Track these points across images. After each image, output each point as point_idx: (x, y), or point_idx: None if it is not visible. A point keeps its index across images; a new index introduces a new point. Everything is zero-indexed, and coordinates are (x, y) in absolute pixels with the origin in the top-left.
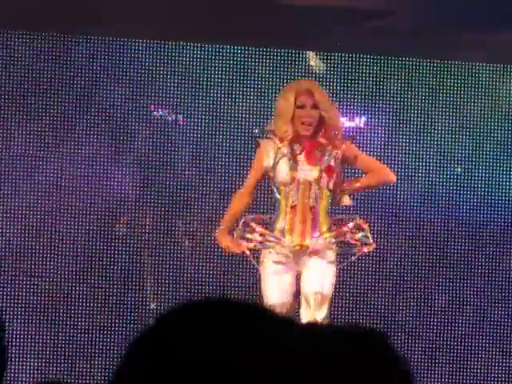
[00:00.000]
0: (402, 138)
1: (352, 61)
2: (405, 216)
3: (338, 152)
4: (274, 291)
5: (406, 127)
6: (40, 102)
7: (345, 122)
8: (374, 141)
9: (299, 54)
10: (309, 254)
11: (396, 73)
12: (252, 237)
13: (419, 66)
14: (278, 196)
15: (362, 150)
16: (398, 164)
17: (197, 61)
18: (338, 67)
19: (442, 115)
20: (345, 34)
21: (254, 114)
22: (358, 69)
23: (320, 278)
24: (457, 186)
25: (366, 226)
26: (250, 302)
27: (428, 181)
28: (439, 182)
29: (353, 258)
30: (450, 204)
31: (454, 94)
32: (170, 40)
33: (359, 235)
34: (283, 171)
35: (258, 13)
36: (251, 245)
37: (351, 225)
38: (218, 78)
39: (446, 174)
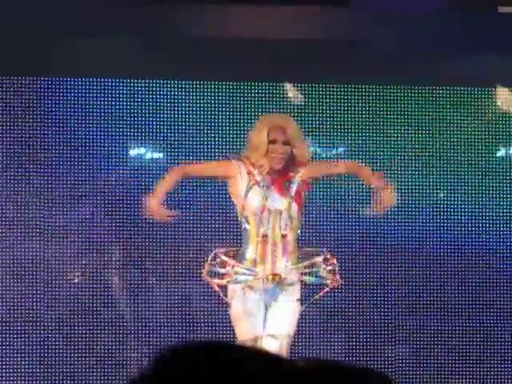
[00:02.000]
0: (378, 165)
1: (329, 91)
2: (379, 247)
3: (300, 175)
4: (246, 326)
5: (382, 154)
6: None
7: (320, 154)
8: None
9: (276, 86)
10: (280, 283)
11: (374, 101)
12: (225, 271)
13: (395, 93)
14: (248, 226)
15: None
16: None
17: (168, 96)
18: (314, 98)
19: (418, 140)
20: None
21: (230, 147)
22: (336, 99)
23: (287, 318)
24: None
25: (334, 261)
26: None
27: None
28: (412, 210)
29: (321, 293)
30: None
31: (433, 119)
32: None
33: (328, 268)
34: (255, 199)
35: (232, 46)
36: (224, 280)
37: (321, 258)
38: (194, 113)
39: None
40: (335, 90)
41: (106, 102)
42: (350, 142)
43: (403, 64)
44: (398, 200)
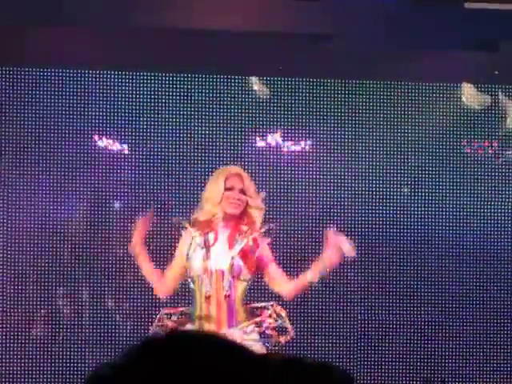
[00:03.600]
0: (347, 161)
1: (294, 85)
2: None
3: (254, 236)
4: None
5: (350, 149)
6: None
7: (290, 147)
8: (317, 164)
9: (242, 80)
10: None
11: (340, 95)
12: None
13: (361, 87)
14: (193, 286)
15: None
16: (341, 187)
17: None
18: (280, 92)
19: (386, 134)
20: (287, 59)
21: (195, 141)
22: (300, 93)
23: None
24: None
25: (283, 314)
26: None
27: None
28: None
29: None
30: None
31: (400, 113)
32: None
33: (277, 323)
34: (196, 261)
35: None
36: None
37: (268, 312)
38: (155, 106)
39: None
40: (298, 83)
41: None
42: (320, 134)
43: (367, 59)
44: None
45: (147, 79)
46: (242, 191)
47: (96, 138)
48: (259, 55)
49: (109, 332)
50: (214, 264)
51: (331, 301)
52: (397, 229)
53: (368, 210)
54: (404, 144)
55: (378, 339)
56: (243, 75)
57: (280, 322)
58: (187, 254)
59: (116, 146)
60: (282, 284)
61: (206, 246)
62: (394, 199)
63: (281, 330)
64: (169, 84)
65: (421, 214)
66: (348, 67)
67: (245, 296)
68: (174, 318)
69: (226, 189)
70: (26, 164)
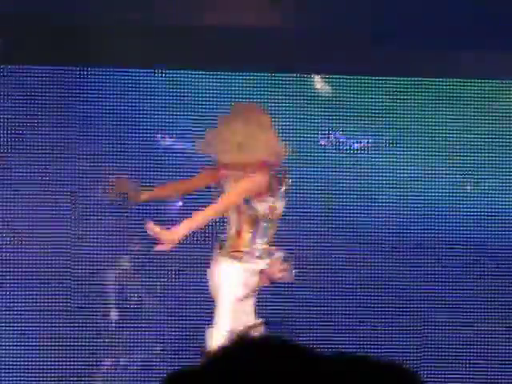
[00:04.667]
0: (408, 160)
1: (356, 83)
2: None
3: None
4: (242, 312)
5: (412, 148)
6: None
7: (351, 145)
8: (379, 163)
9: (304, 78)
10: None
11: (402, 93)
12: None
13: (423, 85)
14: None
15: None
16: (404, 186)
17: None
18: (342, 90)
19: (450, 133)
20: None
21: None
22: (362, 91)
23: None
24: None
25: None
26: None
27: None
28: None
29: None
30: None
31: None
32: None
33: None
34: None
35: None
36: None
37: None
38: (215, 105)
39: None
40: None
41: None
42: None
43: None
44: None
45: (208, 78)
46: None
47: (160, 137)
48: (322, 53)
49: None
50: None
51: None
52: (465, 228)
53: (430, 208)
54: (467, 142)
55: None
56: (305, 73)
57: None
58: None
59: (180, 145)
60: None
61: None
62: (456, 198)
63: None
64: (230, 83)
65: (486, 213)
66: (410, 65)
67: None
68: None
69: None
70: (90, 163)
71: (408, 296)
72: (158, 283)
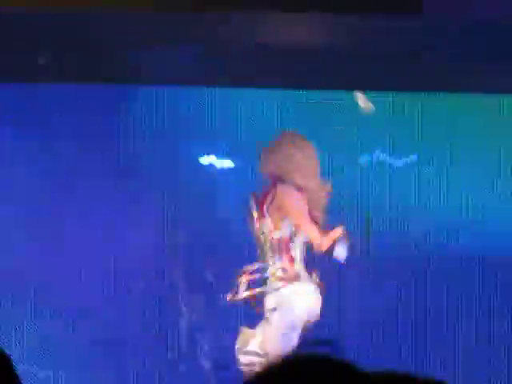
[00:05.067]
0: (451, 178)
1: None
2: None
3: None
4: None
5: (455, 167)
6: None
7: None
8: (423, 180)
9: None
10: None
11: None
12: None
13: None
14: None
15: None
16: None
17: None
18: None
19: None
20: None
21: None
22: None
23: None
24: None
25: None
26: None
27: None
28: None
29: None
30: None
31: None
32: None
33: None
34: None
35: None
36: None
37: None
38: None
39: None
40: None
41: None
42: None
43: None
44: None
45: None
46: None
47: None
48: (363, 71)
49: None
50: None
51: None
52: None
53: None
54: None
55: None
56: (348, 89)
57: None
58: None
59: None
60: None
61: None
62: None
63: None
64: (272, 100)
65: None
66: (455, 80)
67: None
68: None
69: None
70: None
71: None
72: None
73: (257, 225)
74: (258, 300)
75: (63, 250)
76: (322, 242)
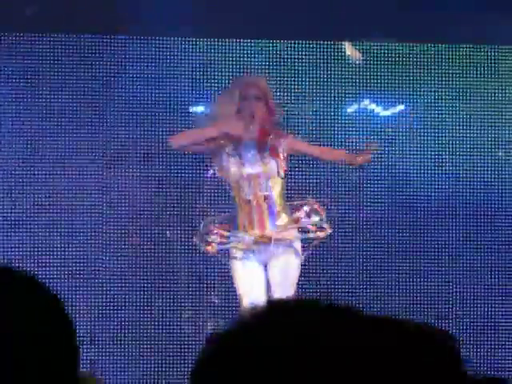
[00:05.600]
0: (438, 127)
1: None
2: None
3: (282, 140)
4: (248, 287)
5: (443, 115)
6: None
7: (382, 112)
8: (409, 130)
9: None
10: (273, 243)
11: (435, 60)
12: (211, 239)
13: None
14: (233, 193)
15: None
16: (434, 155)
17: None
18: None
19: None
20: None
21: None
22: (391, 57)
23: (286, 273)
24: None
25: (321, 210)
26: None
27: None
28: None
29: (312, 245)
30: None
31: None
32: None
33: (315, 219)
34: (232, 169)
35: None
36: (213, 248)
37: (306, 209)
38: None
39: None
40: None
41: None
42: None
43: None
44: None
45: (242, 46)
46: (258, 97)
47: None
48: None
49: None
50: (247, 170)
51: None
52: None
53: (459, 177)
54: (499, 112)
55: None
56: (334, 40)
57: (318, 218)
58: (222, 166)
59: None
60: (325, 150)
61: (238, 153)
62: (487, 165)
63: (319, 226)
64: (260, 50)
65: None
66: (442, 30)
67: (282, 194)
68: (213, 226)
69: (242, 98)
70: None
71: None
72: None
73: None
74: None
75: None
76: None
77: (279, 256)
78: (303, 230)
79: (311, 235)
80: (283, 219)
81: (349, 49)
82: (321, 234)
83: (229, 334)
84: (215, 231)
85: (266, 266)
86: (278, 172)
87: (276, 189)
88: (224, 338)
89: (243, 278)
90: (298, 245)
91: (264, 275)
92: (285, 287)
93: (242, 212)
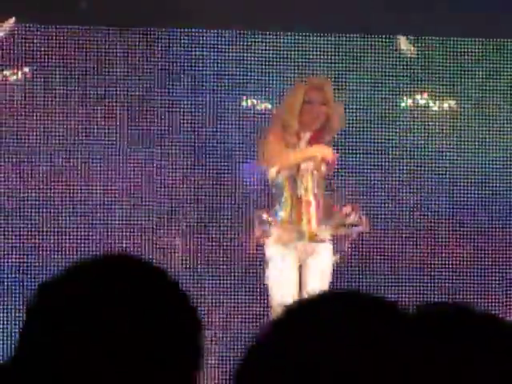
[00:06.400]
0: (493, 121)
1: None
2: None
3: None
4: (283, 288)
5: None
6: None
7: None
8: (463, 124)
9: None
10: (315, 241)
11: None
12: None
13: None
14: (282, 186)
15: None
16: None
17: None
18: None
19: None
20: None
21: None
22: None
23: (324, 274)
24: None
25: (359, 210)
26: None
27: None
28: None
29: (354, 236)
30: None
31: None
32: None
33: (354, 217)
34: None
35: None
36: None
37: (348, 208)
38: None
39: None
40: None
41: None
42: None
43: None
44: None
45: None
46: (323, 103)
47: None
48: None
49: None
50: (303, 164)
51: None
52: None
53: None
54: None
55: None
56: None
57: (357, 216)
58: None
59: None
60: None
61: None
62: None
63: (360, 221)
64: (307, 44)
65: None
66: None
67: (324, 195)
68: (266, 215)
69: (305, 102)
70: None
71: None
72: None
73: None
74: None
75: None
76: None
77: (317, 255)
78: (347, 226)
79: (354, 229)
80: (325, 219)
81: (403, 42)
82: (363, 228)
83: (270, 335)
84: (269, 219)
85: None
86: (327, 172)
87: (322, 188)
88: (266, 340)
89: (279, 275)
90: (331, 246)
91: (298, 274)
92: (318, 287)
93: (289, 207)
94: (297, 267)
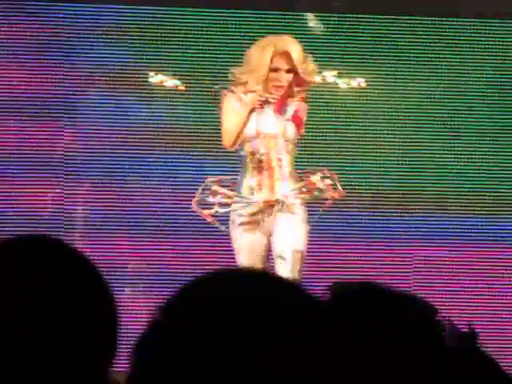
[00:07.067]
0: (401, 100)
1: (348, 21)
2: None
3: (302, 104)
4: (247, 254)
5: (401, 87)
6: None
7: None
8: (372, 103)
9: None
10: (280, 209)
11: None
12: (214, 200)
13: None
14: (243, 152)
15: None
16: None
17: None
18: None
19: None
20: None
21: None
22: (354, 29)
23: (294, 234)
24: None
25: (334, 176)
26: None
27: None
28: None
29: (325, 206)
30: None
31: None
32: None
33: (328, 182)
34: (248, 126)
35: None
36: (212, 211)
37: (319, 176)
38: (214, 42)
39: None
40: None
41: None
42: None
43: None
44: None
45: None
46: (289, 70)
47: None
48: None
49: None
50: (265, 128)
51: None
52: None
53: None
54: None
55: None
56: (297, 11)
57: (329, 182)
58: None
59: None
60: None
61: (257, 112)
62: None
63: (330, 189)
64: (221, 19)
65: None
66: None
67: (293, 161)
68: (216, 187)
69: (271, 69)
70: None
71: None
72: None
73: None
74: None
75: None
76: None
77: (288, 222)
78: (316, 192)
79: (324, 196)
80: (293, 185)
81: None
82: (335, 195)
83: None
84: (220, 191)
85: (270, 233)
86: (294, 137)
87: (289, 154)
88: (169, 308)
89: (244, 248)
90: (304, 213)
91: (267, 246)
92: (292, 249)
93: (250, 174)
94: (264, 240)
